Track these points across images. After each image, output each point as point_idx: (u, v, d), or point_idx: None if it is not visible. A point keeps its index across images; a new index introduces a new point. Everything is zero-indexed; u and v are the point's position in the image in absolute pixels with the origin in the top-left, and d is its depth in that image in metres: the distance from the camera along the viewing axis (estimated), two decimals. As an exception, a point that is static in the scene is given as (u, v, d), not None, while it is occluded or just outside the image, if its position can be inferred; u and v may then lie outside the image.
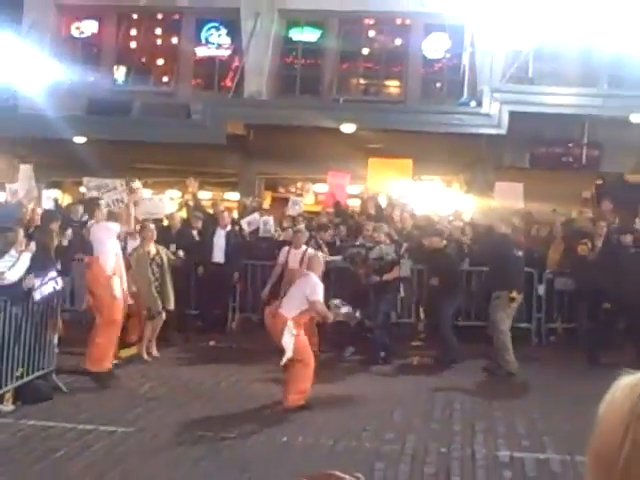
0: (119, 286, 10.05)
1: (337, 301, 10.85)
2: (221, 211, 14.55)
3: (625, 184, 17.80)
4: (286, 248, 12.83)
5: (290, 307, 9.18)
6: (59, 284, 9.57)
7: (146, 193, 16.12)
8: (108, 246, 10.14)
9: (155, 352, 11.67)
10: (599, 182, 18.02)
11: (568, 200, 15.86)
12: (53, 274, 9.44)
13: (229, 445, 7.63)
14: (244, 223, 14.45)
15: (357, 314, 10.94)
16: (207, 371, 10.82)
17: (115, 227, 10.34)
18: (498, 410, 9.25)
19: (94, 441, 7.59)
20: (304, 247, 12.52)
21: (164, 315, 11.64)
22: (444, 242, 12.48)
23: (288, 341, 9.07)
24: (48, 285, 9.22)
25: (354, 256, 12.26)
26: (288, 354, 8.99)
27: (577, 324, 13.51)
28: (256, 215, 14.84)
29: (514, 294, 11.52)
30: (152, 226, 11.86)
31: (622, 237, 12.79)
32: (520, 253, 12.08)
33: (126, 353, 11.41)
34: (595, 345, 12.14)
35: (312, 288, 9.34)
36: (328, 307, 10.75)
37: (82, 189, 15.86)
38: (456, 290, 12.38)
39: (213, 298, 13.78)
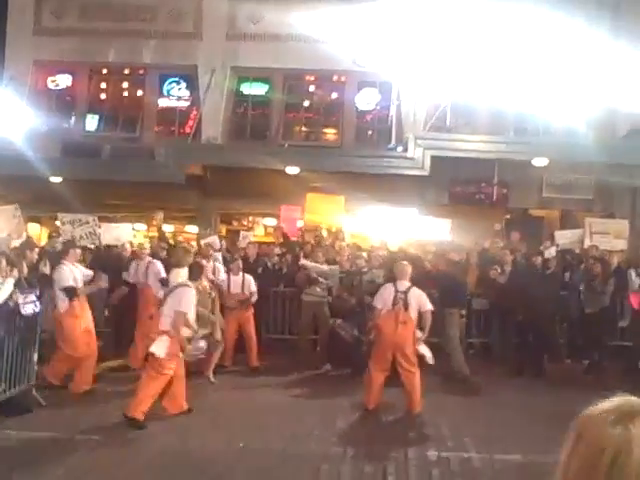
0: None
1: (339, 321, 10.85)
2: (180, 242, 14.42)
3: (529, 218, 18.16)
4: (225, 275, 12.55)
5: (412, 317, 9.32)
6: (38, 307, 9.37)
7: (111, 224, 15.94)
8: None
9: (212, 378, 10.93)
10: (507, 216, 18.35)
11: (482, 232, 16.11)
12: (33, 298, 9.24)
13: (192, 450, 7.52)
14: (204, 243, 14.33)
15: (355, 331, 11.03)
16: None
17: None
18: (426, 415, 9.28)
19: (71, 449, 7.42)
20: (241, 274, 12.34)
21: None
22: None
23: (424, 348, 9.41)
24: (30, 306, 9.03)
25: (351, 280, 12.23)
26: (429, 357, 9.41)
27: (490, 339, 13.68)
28: (215, 237, 14.78)
29: (463, 311, 11.77)
30: (204, 262, 10.98)
31: (534, 258, 13.04)
32: (467, 278, 12.28)
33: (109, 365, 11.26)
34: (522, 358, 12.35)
35: (424, 299, 9.50)
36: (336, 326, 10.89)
37: (57, 223, 15.61)
38: None
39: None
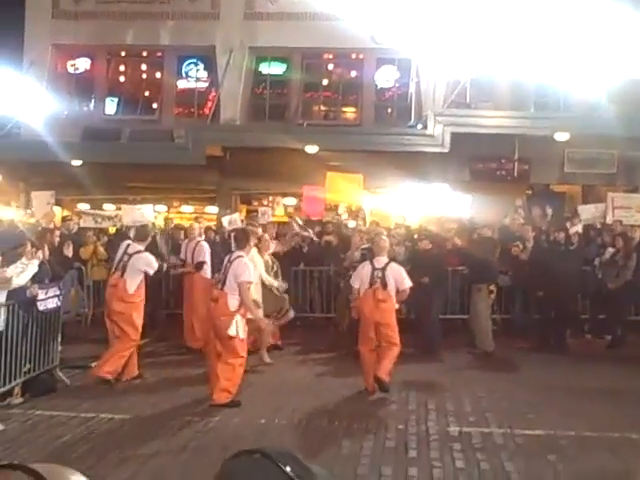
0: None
1: None
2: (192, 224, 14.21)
3: (551, 193, 18.02)
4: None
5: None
6: (60, 302, 9.45)
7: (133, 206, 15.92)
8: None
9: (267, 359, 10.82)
10: (529, 192, 18.21)
11: (503, 208, 16.02)
12: (57, 291, 9.31)
13: (213, 428, 7.58)
14: (225, 220, 14.33)
15: None
16: (191, 362, 10.71)
17: None
18: (447, 391, 9.28)
19: (95, 427, 7.51)
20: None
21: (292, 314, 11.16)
22: (430, 245, 12.40)
23: None
24: (52, 300, 9.13)
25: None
26: None
27: (512, 315, 13.63)
28: (237, 215, 14.81)
29: (492, 287, 11.71)
30: (267, 236, 11.17)
31: (557, 234, 12.90)
32: (497, 253, 12.19)
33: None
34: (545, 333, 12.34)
35: (403, 276, 9.23)
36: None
37: (80, 206, 15.76)
38: (444, 286, 12.46)
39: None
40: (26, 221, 14.16)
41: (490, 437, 7.35)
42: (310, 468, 1.45)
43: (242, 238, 8.99)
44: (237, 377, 8.44)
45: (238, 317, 8.30)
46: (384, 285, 8.98)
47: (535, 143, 16.76)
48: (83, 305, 13.98)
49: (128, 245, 9.73)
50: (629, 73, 16.14)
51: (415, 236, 13.51)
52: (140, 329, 9.60)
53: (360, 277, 9.24)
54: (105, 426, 7.58)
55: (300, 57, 19.95)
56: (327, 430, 7.53)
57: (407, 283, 9.18)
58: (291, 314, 11.13)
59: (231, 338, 8.23)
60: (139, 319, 9.55)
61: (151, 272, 9.66)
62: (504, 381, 9.85)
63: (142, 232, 10.07)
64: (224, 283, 8.40)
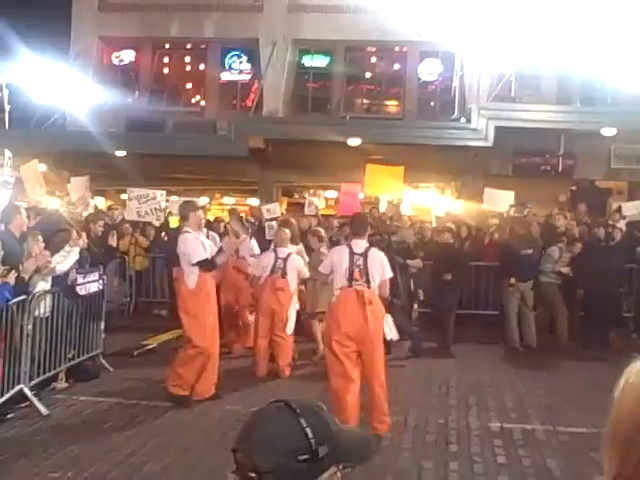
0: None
1: None
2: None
3: (595, 189, 17.75)
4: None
5: None
6: (102, 285, 9.56)
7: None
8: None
9: None
10: (573, 188, 17.97)
11: (546, 203, 15.81)
12: (96, 276, 9.41)
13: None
14: (264, 209, 14.36)
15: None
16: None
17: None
18: (488, 387, 9.21)
19: (137, 414, 7.62)
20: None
21: None
22: (452, 239, 12.18)
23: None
24: (93, 285, 9.22)
25: (378, 242, 12.10)
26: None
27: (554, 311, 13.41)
28: (276, 205, 14.81)
29: (512, 281, 11.77)
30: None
31: (596, 230, 12.65)
32: (530, 251, 11.98)
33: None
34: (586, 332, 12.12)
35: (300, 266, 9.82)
36: None
37: (124, 196, 15.89)
38: (462, 282, 12.22)
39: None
40: (65, 206, 14.30)
41: (532, 434, 7.28)
42: (330, 426, 1.56)
43: (361, 225, 7.44)
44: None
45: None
46: (283, 274, 9.63)
47: (581, 138, 16.54)
48: (125, 294, 14.18)
49: None
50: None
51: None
52: (205, 330, 8.01)
53: (262, 266, 9.88)
54: (147, 413, 7.67)
55: (343, 50, 19.92)
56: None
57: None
58: None
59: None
60: (200, 317, 7.99)
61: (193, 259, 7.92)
62: (547, 377, 9.75)
63: (183, 209, 8.53)
64: (368, 281, 7.02)
